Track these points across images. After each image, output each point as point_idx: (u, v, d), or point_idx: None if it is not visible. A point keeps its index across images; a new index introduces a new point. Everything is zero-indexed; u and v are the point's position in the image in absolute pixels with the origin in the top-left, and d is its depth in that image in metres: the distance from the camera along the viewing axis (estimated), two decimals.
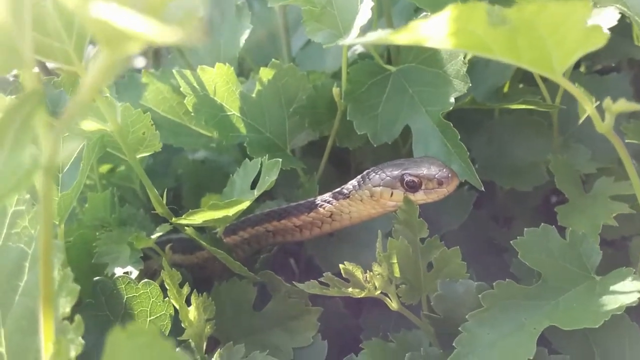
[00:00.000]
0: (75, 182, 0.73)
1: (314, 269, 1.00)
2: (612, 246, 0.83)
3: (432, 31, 0.45)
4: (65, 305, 0.51)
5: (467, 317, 0.65)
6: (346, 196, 0.76)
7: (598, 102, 0.91)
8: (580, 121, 0.92)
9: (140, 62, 0.31)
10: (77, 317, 0.50)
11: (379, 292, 0.68)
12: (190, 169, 1.05)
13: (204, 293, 0.72)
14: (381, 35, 0.46)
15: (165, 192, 0.78)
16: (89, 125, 0.67)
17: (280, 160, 0.71)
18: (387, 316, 0.81)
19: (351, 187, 0.76)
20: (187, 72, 0.82)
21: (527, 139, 0.90)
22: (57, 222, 0.74)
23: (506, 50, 0.47)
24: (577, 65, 1.01)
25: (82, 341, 0.49)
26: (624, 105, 0.49)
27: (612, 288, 0.61)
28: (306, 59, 1.07)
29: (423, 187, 0.70)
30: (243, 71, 1.11)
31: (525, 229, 0.69)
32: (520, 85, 0.95)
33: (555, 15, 0.43)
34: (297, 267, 1.02)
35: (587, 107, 0.51)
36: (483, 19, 0.44)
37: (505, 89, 0.92)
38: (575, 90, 0.50)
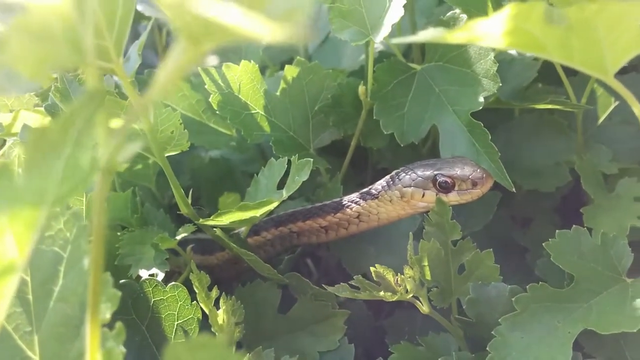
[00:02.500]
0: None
1: (332, 270, 1.00)
2: (636, 248, 0.83)
3: (488, 30, 0.45)
4: (106, 312, 0.49)
5: (499, 320, 0.64)
6: (375, 197, 0.75)
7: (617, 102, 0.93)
8: (600, 121, 0.92)
9: (212, 60, 0.30)
10: (119, 324, 0.49)
11: (410, 295, 0.68)
12: (205, 168, 1.04)
13: (232, 296, 0.71)
14: (435, 34, 0.46)
15: (190, 193, 0.76)
16: (119, 124, 0.66)
17: (312, 160, 0.70)
18: (412, 319, 0.81)
19: (380, 187, 0.75)
20: (212, 70, 0.80)
21: (548, 139, 0.90)
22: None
23: (560, 49, 0.46)
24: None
25: (124, 349, 0.48)
26: None
27: None
28: (323, 57, 1.06)
29: (456, 188, 0.69)
30: (260, 69, 1.10)
31: (557, 231, 0.68)
32: (540, 85, 0.95)
33: (613, 15, 0.43)
34: (315, 267, 1.02)
35: (636, 109, 0.51)
36: (540, 18, 0.44)
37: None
38: (626, 92, 0.50)
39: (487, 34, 0.46)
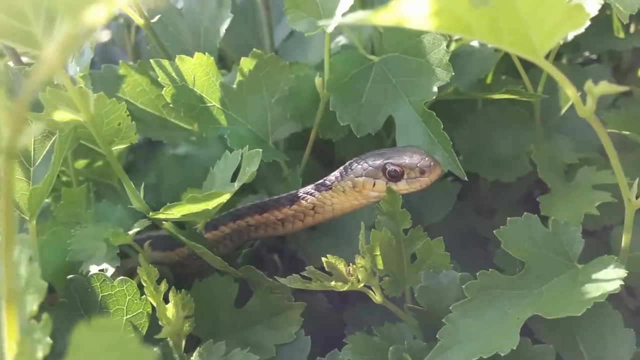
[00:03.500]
0: (47, 175, 0.70)
1: (298, 264, 0.99)
2: (595, 236, 0.82)
3: (413, 11, 0.44)
4: (33, 303, 0.48)
5: (450, 308, 0.64)
6: (328, 187, 0.75)
7: (580, 93, 0.93)
8: (563, 112, 0.92)
9: (105, 36, 0.29)
10: (45, 316, 0.48)
11: (362, 285, 0.67)
12: (171, 164, 1.03)
13: (183, 290, 0.70)
14: (361, 16, 0.45)
15: (142, 186, 0.75)
16: (61, 115, 0.65)
17: (261, 151, 0.69)
18: (371, 310, 0.80)
19: (333, 178, 0.75)
20: (166, 62, 0.79)
21: (510, 129, 0.90)
22: (27, 218, 0.72)
23: (487, 31, 0.46)
24: (559, 56, 1.01)
25: (50, 341, 0.47)
26: (605, 87, 0.48)
27: (594, 276, 0.61)
28: (289, 50, 1.05)
29: (405, 176, 0.69)
30: (226, 64, 1.09)
31: (508, 218, 0.68)
32: (504, 77, 0.94)
33: None
34: (280, 262, 1.01)
35: (569, 91, 0.50)
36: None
37: (489, 80, 0.92)
38: (557, 74, 0.49)
39: (411, 16, 0.45)
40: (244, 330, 0.76)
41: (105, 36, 0.33)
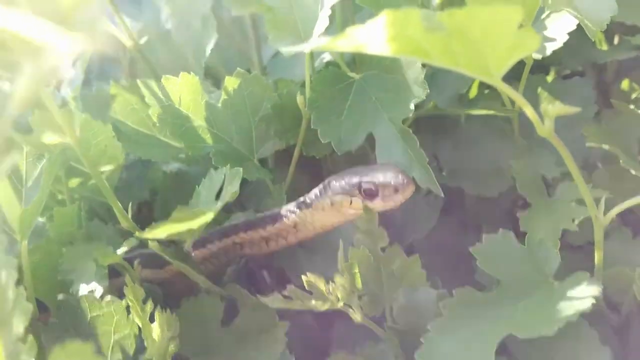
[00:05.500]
0: (37, 196, 0.72)
1: (286, 282, 1.00)
2: (581, 251, 0.82)
3: (369, 37, 0.45)
4: (19, 326, 0.50)
5: (428, 327, 0.64)
6: (309, 205, 0.76)
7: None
8: None
9: (69, 73, 0.30)
10: (30, 338, 0.50)
11: (342, 303, 0.68)
12: (162, 182, 1.05)
13: (168, 309, 0.72)
14: (321, 43, 0.46)
15: (130, 206, 0.77)
16: (49, 138, 0.67)
17: (241, 169, 0.70)
18: (357, 329, 0.80)
19: (313, 196, 0.76)
20: (152, 82, 0.81)
21: (491, 144, 0.90)
22: (18, 239, 0.74)
23: (443, 55, 0.47)
24: (546, 70, 1.02)
25: None
26: (560, 108, 0.49)
27: (568, 294, 0.61)
28: (277, 67, 1.06)
29: (380, 194, 0.70)
30: (216, 82, 1.11)
31: (483, 235, 0.68)
32: (486, 91, 0.95)
33: (485, 20, 0.43)
34: (269, 278, 1.02)
35: (527, 110, 0.51)
36: (419, 24, 0.44)
37: (472, 95, 0.92)
38: (513, 93, 0.50)
39: (369, 42, 0.46)
40: (231, 348, 0.77)
41: (69, 73, 0.35)
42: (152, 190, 1.06)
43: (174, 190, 1.04)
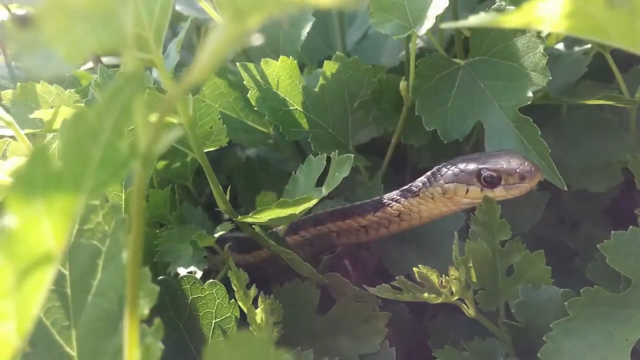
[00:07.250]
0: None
1: (370, 272, 0.97)
2: None
3: (548, 12, 0.42)
4: (144, 307, 0.48)
5: (551, 326, 0.61)
6: (415, 194, 0.72)
7: None
8: None
9: (258, 39, 0.28)
10: (157, 321, 0.48)
11: (455, 297, 0.65)
12: (241, 167, 1.04)
13: (272, 295, 0.70)
14: (488, 18, 0.43)
15: (228, 190, 0.76)
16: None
17: (352, 156, 0.67)
18: (456, 322, 0.77)
19: (421, 184, 0.72)
20: (251, 65, 0.79)
21: (598, 137, 0.85)
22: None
23: (625, 35, 0.43)
24: None
25: (162, 346, 0.46)
26: None
27: None
28: (362, 53, 1.03)
29: (503, 182, 0.65)
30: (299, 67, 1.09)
31: (612, 232, 0.64)
32: (588, 82, 0.90)
33: None
34: (352, 269, 0.99)
35: None
36: (602, 0, 0.41)
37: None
38: None
39: (544, 17, 0.42)
40: (326, 338, 0.75)
41: (258, 40, 0.32)
42: (228, 175, 1.05)
43: (254, 175, 1.02)
